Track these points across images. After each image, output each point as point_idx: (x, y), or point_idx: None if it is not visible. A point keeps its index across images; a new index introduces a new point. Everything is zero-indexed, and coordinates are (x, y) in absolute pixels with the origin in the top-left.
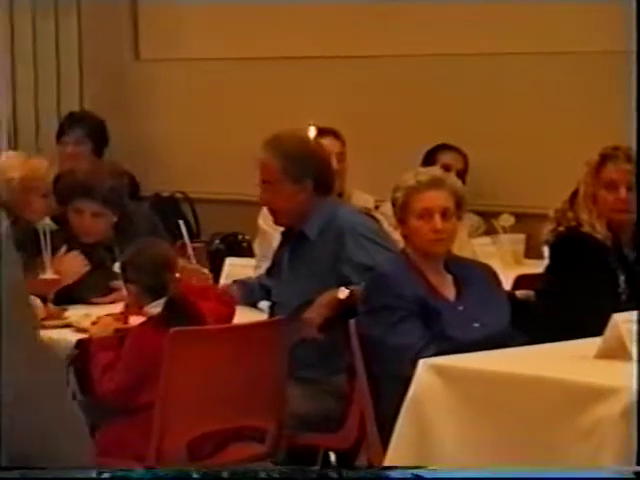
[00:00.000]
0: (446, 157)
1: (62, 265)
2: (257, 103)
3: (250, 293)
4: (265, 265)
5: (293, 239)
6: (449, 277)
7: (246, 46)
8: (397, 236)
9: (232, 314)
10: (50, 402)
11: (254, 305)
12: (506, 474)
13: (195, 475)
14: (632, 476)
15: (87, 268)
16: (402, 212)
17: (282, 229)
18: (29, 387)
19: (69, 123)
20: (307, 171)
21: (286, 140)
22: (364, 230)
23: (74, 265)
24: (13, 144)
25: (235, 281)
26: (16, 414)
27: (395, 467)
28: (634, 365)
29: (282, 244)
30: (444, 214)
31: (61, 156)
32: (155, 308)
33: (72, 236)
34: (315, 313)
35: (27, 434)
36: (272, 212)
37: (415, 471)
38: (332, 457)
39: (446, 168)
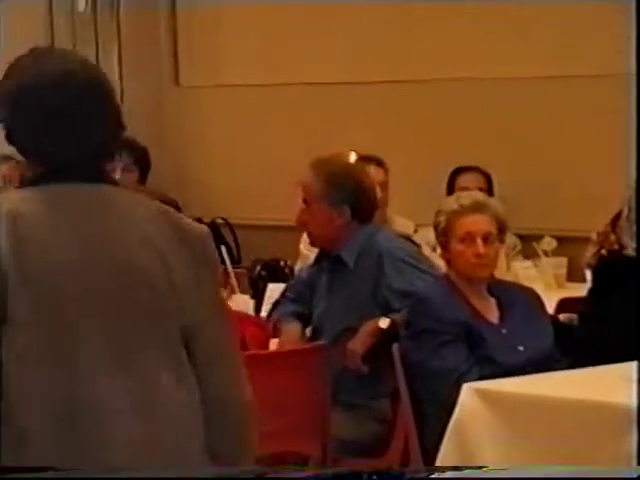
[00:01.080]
0: (462, 180)
1: None
2: (297, 129)
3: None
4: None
5: (331, 264)
6: (492, 300)
7: (285, 72)
8: (437, 260)
9: (268, 338)
10: None
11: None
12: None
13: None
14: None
15: None
16: (444, 236)
17: (317, 252)
18: None
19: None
20: (346, 197)
21: (331, 164)
22: (403, 255)
23: None
24: None
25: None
26: None
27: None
28: None
29: (318, 268)
30: (486, 238)
31: None
32: None
33: None
34: (359, 344)
35: None
36: (308, 233)
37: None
38: None
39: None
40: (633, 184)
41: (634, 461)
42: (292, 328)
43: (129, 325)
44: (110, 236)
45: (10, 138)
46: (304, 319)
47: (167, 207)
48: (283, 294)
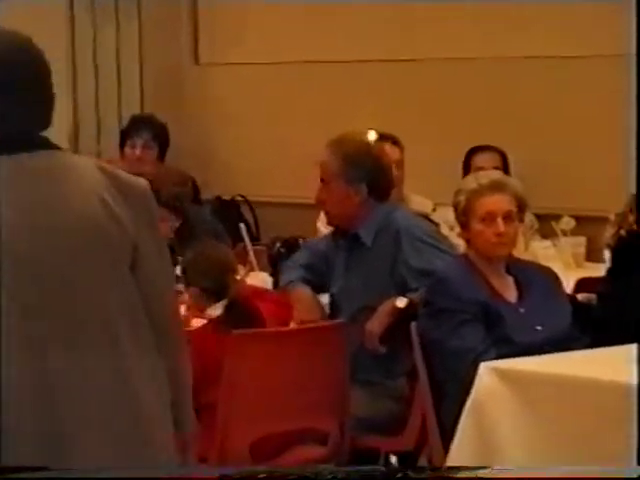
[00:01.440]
0: (478, 159)
1: None
2: (317, 106)
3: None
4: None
5: (348, 242)
6: (511, 280)
7: (305, 49)
8: (455, 239)
9: (289, 316)
10: None
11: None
12: None
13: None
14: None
15: None
16: (464, 216)
17: (332, 229)
18: None
19: (135, 126)
20: (363, 175)
21: (348, 142)
22: (421, 233)
23: None
24: (74, 149)
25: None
26: None
27: (459, 467)
28: None
29: (335, 245)
30: (506, 217)
31: (129, 158)
32: (216, 310)
33: None
34: (377, 324)
35: None
36: (325, 212)
37: (478, 471)
38: (393, 459)
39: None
40: None
41: None
42: (303, 293)
43: (91, 295)
44: (61, 200)
45: None
46: (313, 287)
47: (104, 164)
48: (292, 260)
